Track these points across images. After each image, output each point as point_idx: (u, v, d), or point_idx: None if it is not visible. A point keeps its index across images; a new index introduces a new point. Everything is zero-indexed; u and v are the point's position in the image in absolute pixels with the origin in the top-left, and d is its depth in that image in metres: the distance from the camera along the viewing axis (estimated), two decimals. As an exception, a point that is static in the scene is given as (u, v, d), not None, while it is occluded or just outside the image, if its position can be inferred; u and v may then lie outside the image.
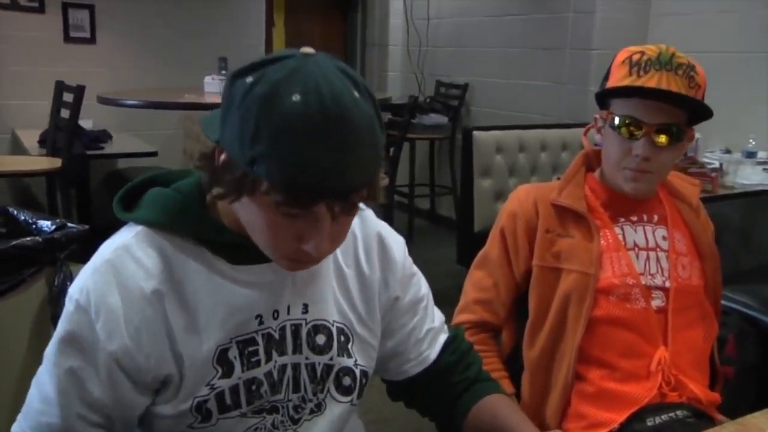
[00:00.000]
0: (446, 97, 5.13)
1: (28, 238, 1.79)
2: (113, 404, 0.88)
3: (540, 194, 1.43)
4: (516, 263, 1.42)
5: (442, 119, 4.92)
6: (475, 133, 3.37)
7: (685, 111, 1.30)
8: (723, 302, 1.82)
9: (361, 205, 1.07)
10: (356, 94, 0.78)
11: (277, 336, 0.95)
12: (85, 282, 0.88)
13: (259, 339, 0.93)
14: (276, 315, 0.95)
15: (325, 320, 0.98)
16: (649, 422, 1.27)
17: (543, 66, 4.35)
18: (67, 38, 4.64)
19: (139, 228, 0.91)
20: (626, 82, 1.30)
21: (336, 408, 1.00)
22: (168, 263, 0.89)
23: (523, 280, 1.42)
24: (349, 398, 1.01)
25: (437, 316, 1.14)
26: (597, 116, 1.40)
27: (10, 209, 2.06)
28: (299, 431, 0.98)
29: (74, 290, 0.88)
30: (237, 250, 0.91)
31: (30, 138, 4.06)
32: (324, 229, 0.82)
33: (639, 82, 1.28)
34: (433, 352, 1.11)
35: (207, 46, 4.98)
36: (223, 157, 0.82)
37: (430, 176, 5.20)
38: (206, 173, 0.86)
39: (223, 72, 4.22)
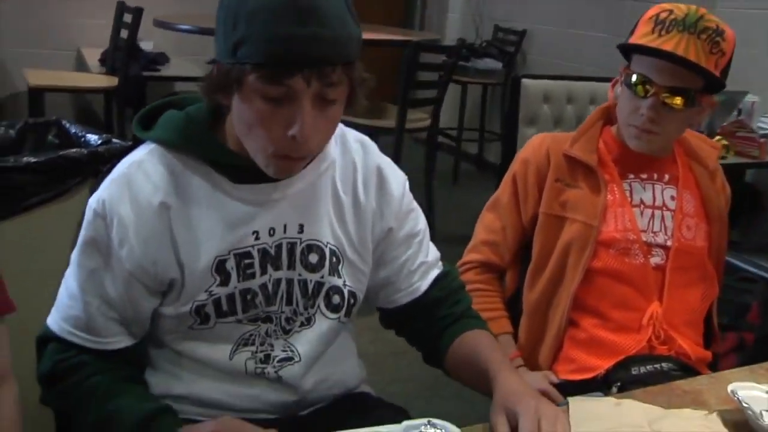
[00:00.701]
0: (503, 42, 5.06)
1: (74, 150, 1.91)
2: (127, 302, 0.99)
3: (554, 143, 1.46)
4: (524, 209, 1.47)
5: (496, 65, 4.86)
6: (523, 80, 3.33)
7: (703, 77, 1.29)
8: (752, 269, 1.83)
9: (366, 138, 1.14)
10: None
11: (272, 252, 1.03)
12: (102, 193, 0.97)
13: (255, 253, 1.01)
14: (272, 232, 1.02)
15: (319, 241, 1.06)
16: (634, 371, 1.32)
17: (603, 17, 4.24)
18: (134, -41, 4.73)
19: (153, 146, 1.00)
20: (645, 40, 1.30)
21: (324, 323, 1.08)
22: (175, 178, 0.98)
23: (530, 225, 1.47)
24: (336, 315, 1.09)
25: (432, 252, 1.19)
26: (621, 69, 1.41)
27: (63, 122, 2.19)
28: (290, 341, 1.07)
29: (93, 200, 0.98)
30: (238, 169, 0.99)
31: (93, 56, 4.21)
32: (305, 107, 0.88)
33: (656, 43, 1.28)
34: (423, 285, 1.16)
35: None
36: (215, 67, 0.92)
37: (480, 121, 5.18)
38: (206, 87, 0.94)
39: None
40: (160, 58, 4.19)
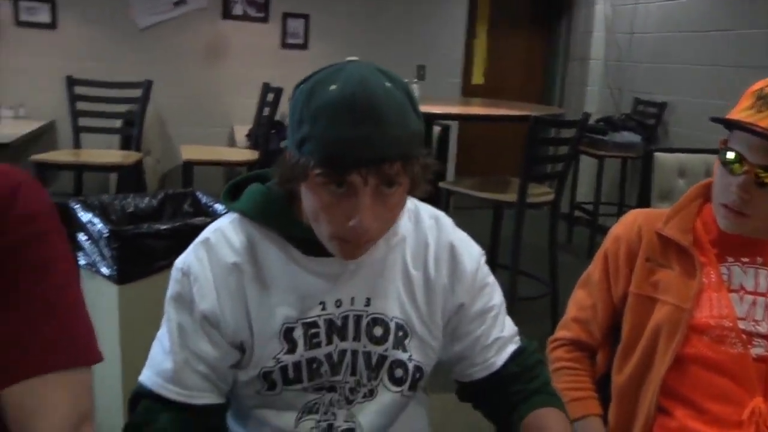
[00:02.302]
0: (643, 115, 4.93)
1: (199, 218, 2.10)
2: (216, 352, 1.03)
3: (647, 221, 1.41)
4: (615, 287, 1.42)
5: (635, 138, 4.73)
6: (656, 154, 3.24)
7: None
8: None
9: (440, 214, 1.17)
10: (387, 84, 0.92)
11: (339, 323, 1.07)
12: (188, 255, 1.07)
13: (321, 323, 1.06)
14: (339, 304, 1.07)
15: (384, 315, 1.09)
16: (729, 468, 1.21)
17: (747, 87, 4.03)
18: (284, 45, 5.17)
19: (236, 215, 1.09)
20: (742, 115, 1.25)
21: (386, 396, 1.10)
22: (252, 246, 1.05)
23: (621, 304, 1.41)
24: (399, 389, 1.11)
25: (508, 327, 1.18)
26: (720, 144, 1.36)
27: (197, 193, 2.42)
28: (352, 411, 1.09)
29: (179, 261, 1.07)
30: (311, 243, 1.04)
31: (241, 132, 4.59)
32: (364, 201, 0.92)
33: (752, 119, 1.22)
34: (500, 360, 1.16)
35: (408, 54, 5.27)
36: (287, 154, 0.99)
37: (619, 195, 5.03)
38: (278, 170, 1.01)
39: (415, 81, 4.43)
40: (301, 134, 4.47)
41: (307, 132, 0.92)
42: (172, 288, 1.06)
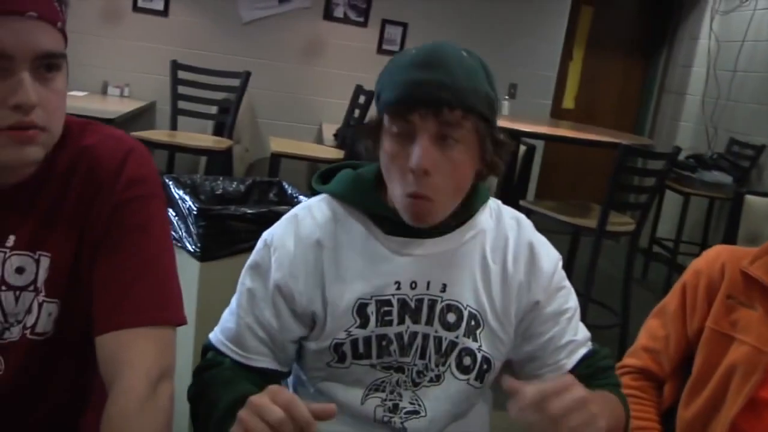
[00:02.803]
0: (738, 156, 4.76)
1: (284, 207, 2.18)
2: (276, 324, 1.09)
3: (731, 257, 1.39)
4: (690, 320, 1.40)
5: (725, 178, 4.58)
6: (747, 196, 3.14)
7: None
8: None
9: (522, 216, 1.19)
10: (464, 53, 1.02)
11: (413, 305, 1.09)
12: (275, 228, 1.13)
13: (395, 302, 1.09)
14: (414, 285, 1.09)
15: (459, 302, 1.11)
16: None
17: None
18: (380, 50, 5.26)
19: (324, 196, 1.15)
20: None
21: (453, 383, 1.12)
22: (336, 223, 1.11)
23: (695, 338, 1.39)
24: (466, 377, 1.12)
25: (581, 332, 1.18)
26: None
27: (283, 183, 2.51)
28: (417, 394, 1.12)
29: (266, 233, 1.13)
30: (393, 223, 1.08)
31: (329, 131, 4.70)
32: (422, 143, 0.99)
33: None
34: (570, 363, 1.15)
35: (501, 71, 5.24)
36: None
37: (702, 235, 4.88)
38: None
39: (506, 98, 4.44)
40: (388, 138, 4.54)
41: (383, 83, 1.04)
42: (252, 257, 1.13)
